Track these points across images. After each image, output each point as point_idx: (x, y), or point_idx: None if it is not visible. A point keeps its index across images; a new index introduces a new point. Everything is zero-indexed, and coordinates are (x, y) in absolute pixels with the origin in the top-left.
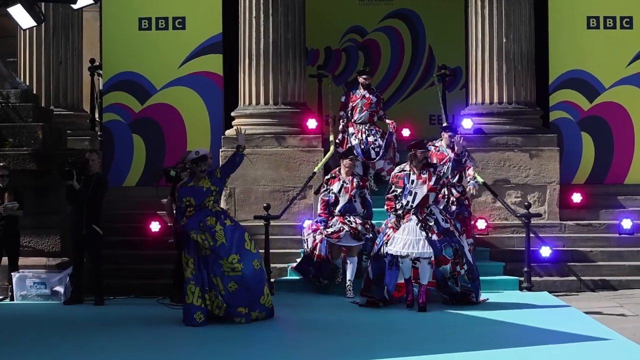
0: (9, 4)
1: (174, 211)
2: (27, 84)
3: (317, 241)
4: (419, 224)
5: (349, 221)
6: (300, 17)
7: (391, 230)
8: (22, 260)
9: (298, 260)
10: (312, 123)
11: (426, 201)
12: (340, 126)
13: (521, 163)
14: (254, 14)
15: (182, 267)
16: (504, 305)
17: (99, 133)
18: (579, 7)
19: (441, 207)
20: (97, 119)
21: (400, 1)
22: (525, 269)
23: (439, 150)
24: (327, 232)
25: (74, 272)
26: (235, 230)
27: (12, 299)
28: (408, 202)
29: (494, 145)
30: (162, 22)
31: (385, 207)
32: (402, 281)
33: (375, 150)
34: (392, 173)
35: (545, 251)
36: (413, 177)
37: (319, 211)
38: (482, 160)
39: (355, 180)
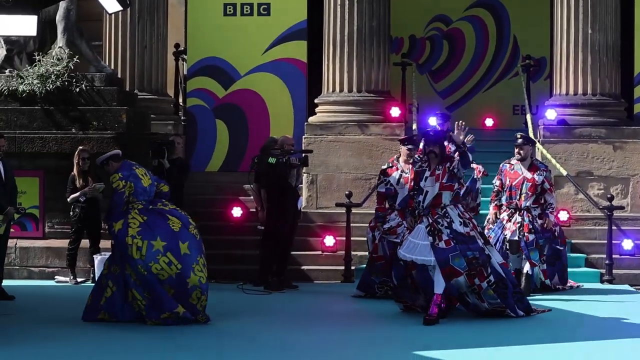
0: None
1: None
2: (112, 67)
3: (377, 241)
4: (428, 227)
5: None
6: (385, 4)
7: (408, 231)
8: (103, 243)
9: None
10: (395, 111)
11: (439, 201)
12: None
13: (604, 155)
14: (339, 1)
15: (266, 252)
16: (584, 298)
17: (182, 118)
18: None
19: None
20: (180, 104)
21: None
22: (607, 262)
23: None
24: (384, 228)
25: None
26: None
27: (93, 280)
28: (419, 202)
29: (577, 137)
30: (247, 7)
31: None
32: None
33: None
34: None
35: (628, 244)
36: (427, 173)
37: (375, 206)
38: (565, 152)
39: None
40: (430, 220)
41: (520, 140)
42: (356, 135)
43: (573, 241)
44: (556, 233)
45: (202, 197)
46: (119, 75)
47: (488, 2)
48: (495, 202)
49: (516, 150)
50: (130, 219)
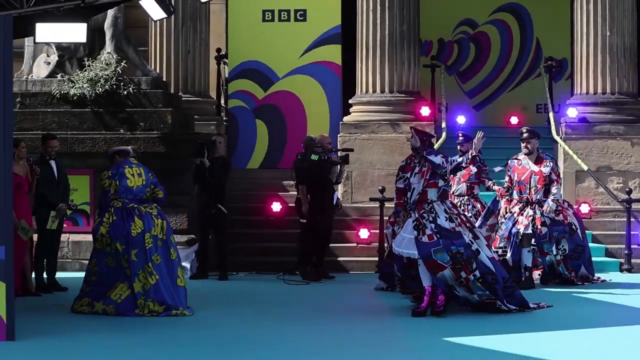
0: None
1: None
2: (157, 71)
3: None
4: (415, 222)
5: None
6: (415, 10)
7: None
8: None
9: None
10: (425, 110)
11: (425, 197)
12: None
13: (623, 151)
14: (371, 7)
15: (306, 245)
16: (604, 286)
17: (224, 118)
18: None
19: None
20: (222, 105)
21: None
22: (626, 252)
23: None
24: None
25: (200, 248)
26: None
27: None
28: (408, 198)
29: (597, 134)
30: (284, 14)
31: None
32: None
33: None
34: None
35: None
36: (416, 169)
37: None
38: (586, 148)
39: None
40: (417, 215)
41: (526, 135)
42: (388, 134)
43: (593, 232)
44: (574, 226)
45: (243, 193)
46: (164, 79)
47: (512, 7)
48: (506, 197)
49: (523, 145)
50: (106, 217)
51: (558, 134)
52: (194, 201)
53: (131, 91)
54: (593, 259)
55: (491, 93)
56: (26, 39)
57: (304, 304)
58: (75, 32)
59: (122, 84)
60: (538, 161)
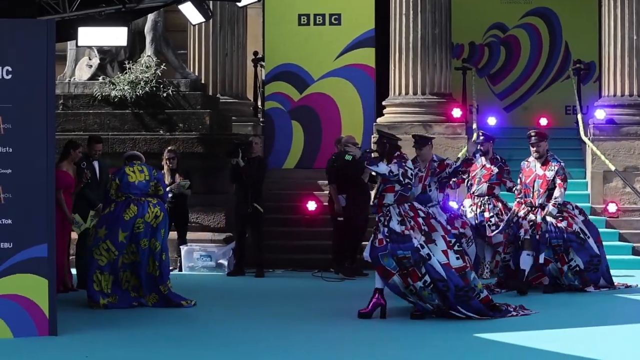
0: (181, 2)
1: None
2: (196, 74)
3: None
4: (374, 226)
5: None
6: (447, 14)
7: None
8: (190, 235)
9: None
10: (457, 112)
11: (382, 201)
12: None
13: None
14: (404, 12)
15: (341, 242)
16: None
17: (261, 119)
18: None
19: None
20: (259, 107)
21: (538, 0)
22: None
23: None
24: None
25: (237, 246)
26: None
27: (180, 269)
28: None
29: (625, 135)
30: (319, 18)
31: None
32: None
33: (491, 227)
34: None
35: None
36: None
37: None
38: (614, 149)
39: (432, 166)
40: (377, 219)
41: (534, 139)
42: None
43: (620, 231)
44: (583, 235)
45: (279, 192)
46: (203, 81)
47: (542, 11)
48: (518, 200)
49: (533, 150)
50: (106, 212)
51: (586, 135)
52: (231, 200)
53: (170, 93)
54: (620, 257)
55: (521, 95)
56: (69, 42)
57: (340, 299)
58: (116, 36)
59: (161, 86)
60: (544, 164)
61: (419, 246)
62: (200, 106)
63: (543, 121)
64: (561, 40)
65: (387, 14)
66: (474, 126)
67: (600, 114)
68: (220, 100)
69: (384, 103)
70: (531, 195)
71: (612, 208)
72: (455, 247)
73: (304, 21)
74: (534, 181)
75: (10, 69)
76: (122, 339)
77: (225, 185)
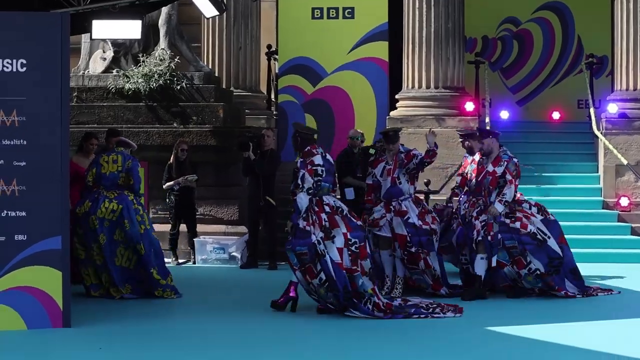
0: None
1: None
2: (210, 67)
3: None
4: None
5: (394, 207)
6: (460, 7)
7: None
8: (203, 228)
9: None
10: (469, 106)
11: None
12: None
13: None
14: (417, 5)
15: None
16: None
17: (274, 112)
18: None
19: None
20: (272, 100)
21: None
22: None
23: None
24: (369, 220)
25: (250, 239)
26: None
27: (194, 262)
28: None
29: (637, 129)
30: (333, 11)
31: None
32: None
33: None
34: None
35: None
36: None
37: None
38: (626, 143)
39: (399, 158)
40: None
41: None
42: (434, 128)
43: (633, 225)
44: (541, 236)
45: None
46: (216, 74)
47: (554, 5)
48: (456, 190)
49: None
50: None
51: (599, 129)
52: (245, 193)
53: (184, 86)
54: (632, 251)
55: (534, 89)
56: (83, 35)
57: None
58: (130, 29)
59: (175, 79)
60: (495, 160)
61: (315, 242)
62: (214, 99)
63: (556, 115)
64: (574, 34)
65: (400, 7)
66: (487, 120)
67: (612, 108)
68: (234, 93)
69: (397, 96)
70: (482, 193)
71: (624, 202)
72: (353, 249)
73: (317, 14)
74: (485, 178)
75: (24, 62)
76: (136, 331)
77: (239, 178)
